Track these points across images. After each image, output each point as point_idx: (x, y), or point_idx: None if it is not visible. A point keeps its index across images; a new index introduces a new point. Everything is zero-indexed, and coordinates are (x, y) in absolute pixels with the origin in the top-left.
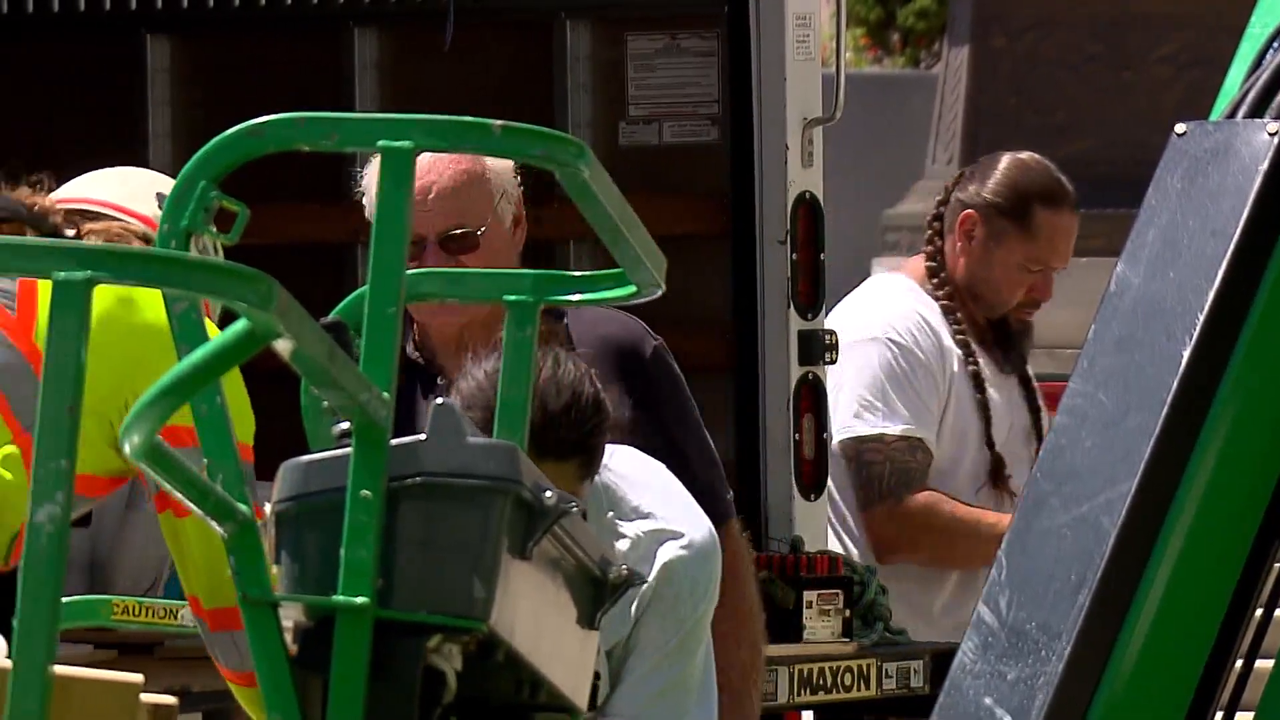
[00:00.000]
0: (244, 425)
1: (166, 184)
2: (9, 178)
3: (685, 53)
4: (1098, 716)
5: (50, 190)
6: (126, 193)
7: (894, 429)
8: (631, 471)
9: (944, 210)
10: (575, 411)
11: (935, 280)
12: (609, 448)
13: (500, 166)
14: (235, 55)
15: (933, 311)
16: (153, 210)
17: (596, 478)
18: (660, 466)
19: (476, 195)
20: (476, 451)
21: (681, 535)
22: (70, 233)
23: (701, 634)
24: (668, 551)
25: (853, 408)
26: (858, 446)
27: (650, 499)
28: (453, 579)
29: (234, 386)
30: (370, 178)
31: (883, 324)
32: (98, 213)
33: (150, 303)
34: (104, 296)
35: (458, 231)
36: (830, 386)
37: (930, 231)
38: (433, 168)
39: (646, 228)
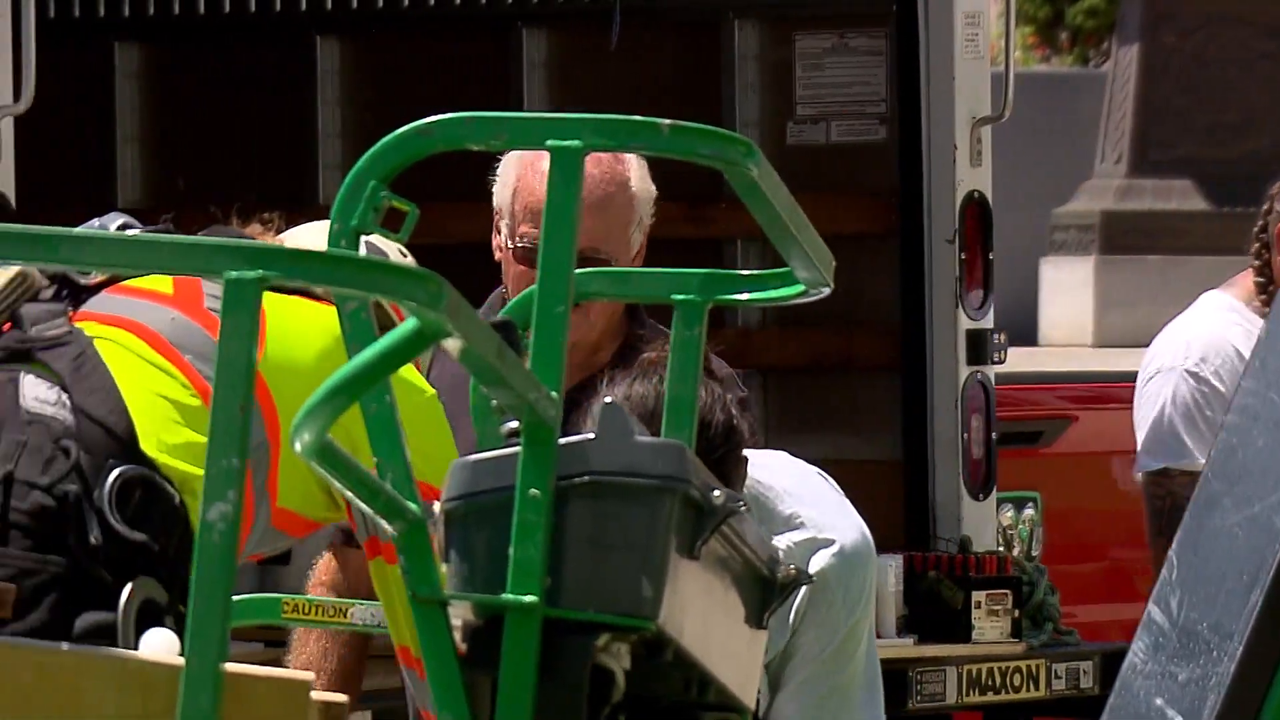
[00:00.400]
0: (438, 470)
1: (376, 239)
2: (241, 214)
3: (854, 52)
4: (1270, 718)
5: (280, 230)
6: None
7: (1181, 465)
8: (780, 481)
9: (1268, 222)
10: (703, 440)
11: (1263, 297)
12: (758, 457)
13: (644, 194)
14: (404, 56)
15: (1250, 336)
16: None
17: (746, 492)
18: (809, 471)
19: (618, 220)
20: (645, 450)
21: (833, 542)
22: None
23: (858, 640)
24: (820, 560)
25: (1144, 441)
26: (1146, 480)
27: (800, 507)
28: (621, 578)
29: (441, 436)
30: (504, 171)
31: (1186, 353)
32: None
33: None
34: (323, 335)
35: (592, 254)
36: (1134, 415)
37: (1257, 245)
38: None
39: (816, 226)
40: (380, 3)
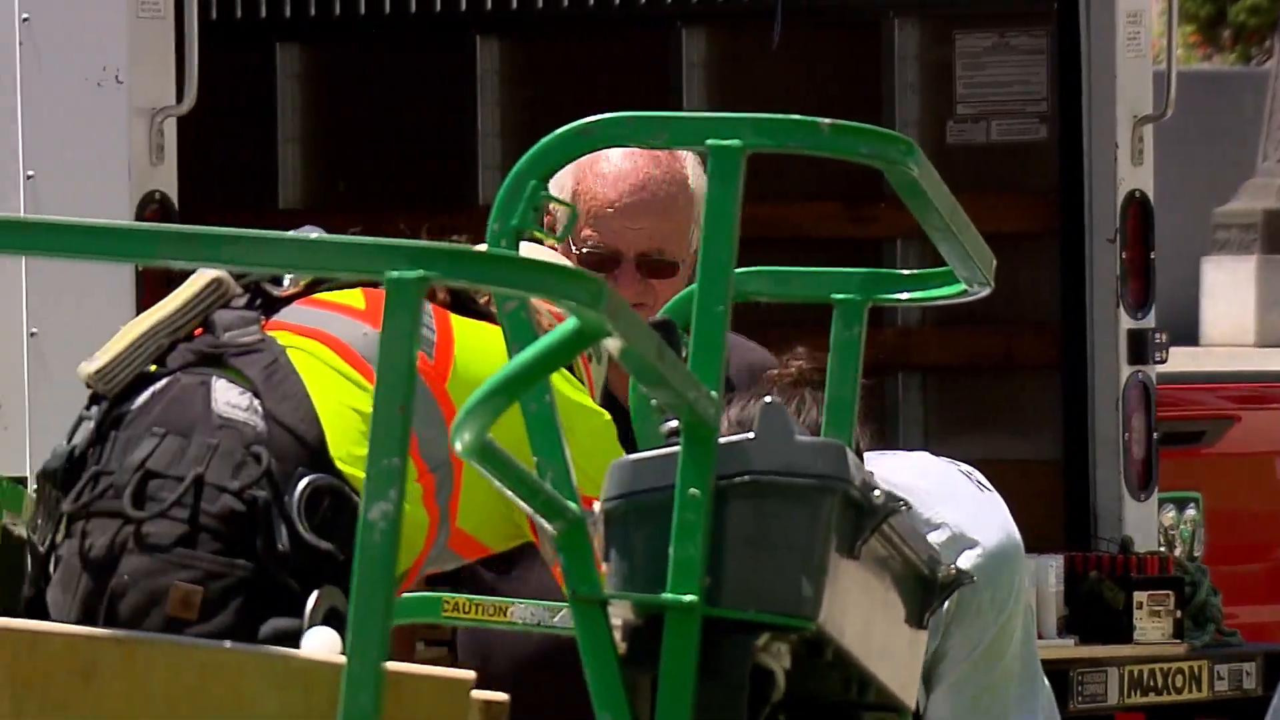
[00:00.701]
0: (596, 482)
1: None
2: (430, 234)
3: (1014, 50)
4: None
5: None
6: None
7: None
8: (920, 483)
9: None
10: None
11: None
12: (889, 461)
13: (700, 192)
14: (564, 55)
15: None
16: None
17: None
18: (950, 470)
19: (681, 221)
20: (805, 450)
21: (976, 543)
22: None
23: (1009, 638)
24: (965, 561)
25: None
26: None
27: (942, 508)
28: (781, 577)
29: (609, 444)
30: (561, 178)
31: None
32: None
33: (558, 377)
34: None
35: (657, 256)
36: None
37: None
38: (646, 185)
39: (975, 226)
40: (540, 3)
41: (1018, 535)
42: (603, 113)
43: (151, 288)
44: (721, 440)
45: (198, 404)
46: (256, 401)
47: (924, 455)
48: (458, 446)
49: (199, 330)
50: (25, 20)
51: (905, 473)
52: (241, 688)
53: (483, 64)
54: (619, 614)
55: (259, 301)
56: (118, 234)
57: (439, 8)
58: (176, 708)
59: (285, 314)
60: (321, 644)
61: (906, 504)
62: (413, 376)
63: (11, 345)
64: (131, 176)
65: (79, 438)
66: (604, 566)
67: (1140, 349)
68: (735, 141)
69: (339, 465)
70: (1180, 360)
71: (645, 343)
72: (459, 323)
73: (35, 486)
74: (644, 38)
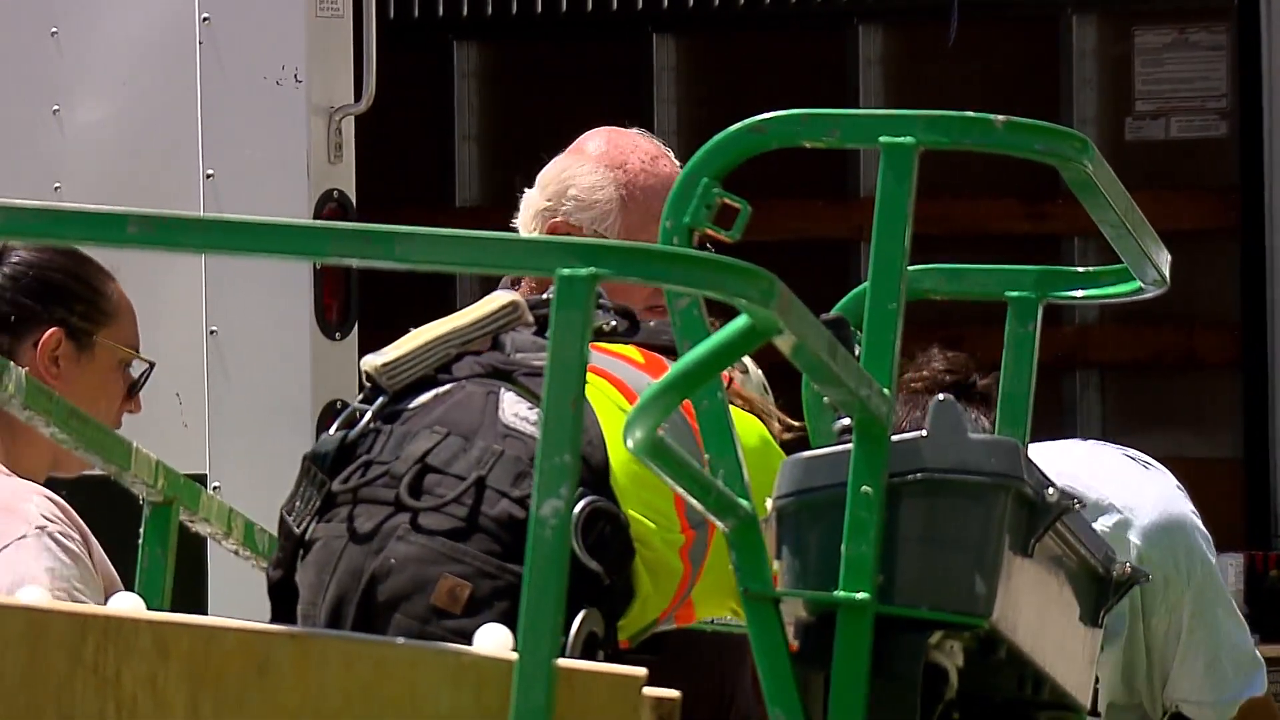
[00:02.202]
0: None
1: None
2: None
3: (1194, 46)
4: None
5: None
6: None
7: None
8: (1075, 468)
9: None
10: None
11: None
12: (1052, 449)
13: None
14: (739, 53)
15: None
16: None
17: None
18: (1101, 450)
19: None
20: (978, 447)
21: (1136, 519)
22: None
23: (1210, 597)
24: (1134, 539)
25: None
26: None
27: (1105, 488)
28: (954, 575)
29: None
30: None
31: None
32: None
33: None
34: (751, 435)
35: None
36: None
37: None
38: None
39: (1153, 223)
40: (715, 1)
41: (1181, 508)
42: (778, 110)
43: (330, 286)
44: (895, 438)
45: (483, 411)
46: None
47: (1073, 442)
48: (629, 443)
49: (488, 347)
50: (205, 20)
51: (1062, 460)
52: (414, 684)
53: (659, 61)
54: (791, 611)
55: (544, 333)
56: (292, 231)
57: (615, 5)
58: (350, 703)
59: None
60: (494, 641)
61: (1081, 502)
62: (583, 372)
63: (192, 343)
64: (310, 175)
65: (351, 427)
66: (776, 564)
67: None
68: (908, 139)
69: (617, 494)
70: None
71: (817, 340)
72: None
73: (299, 469)
74: (820, 35)
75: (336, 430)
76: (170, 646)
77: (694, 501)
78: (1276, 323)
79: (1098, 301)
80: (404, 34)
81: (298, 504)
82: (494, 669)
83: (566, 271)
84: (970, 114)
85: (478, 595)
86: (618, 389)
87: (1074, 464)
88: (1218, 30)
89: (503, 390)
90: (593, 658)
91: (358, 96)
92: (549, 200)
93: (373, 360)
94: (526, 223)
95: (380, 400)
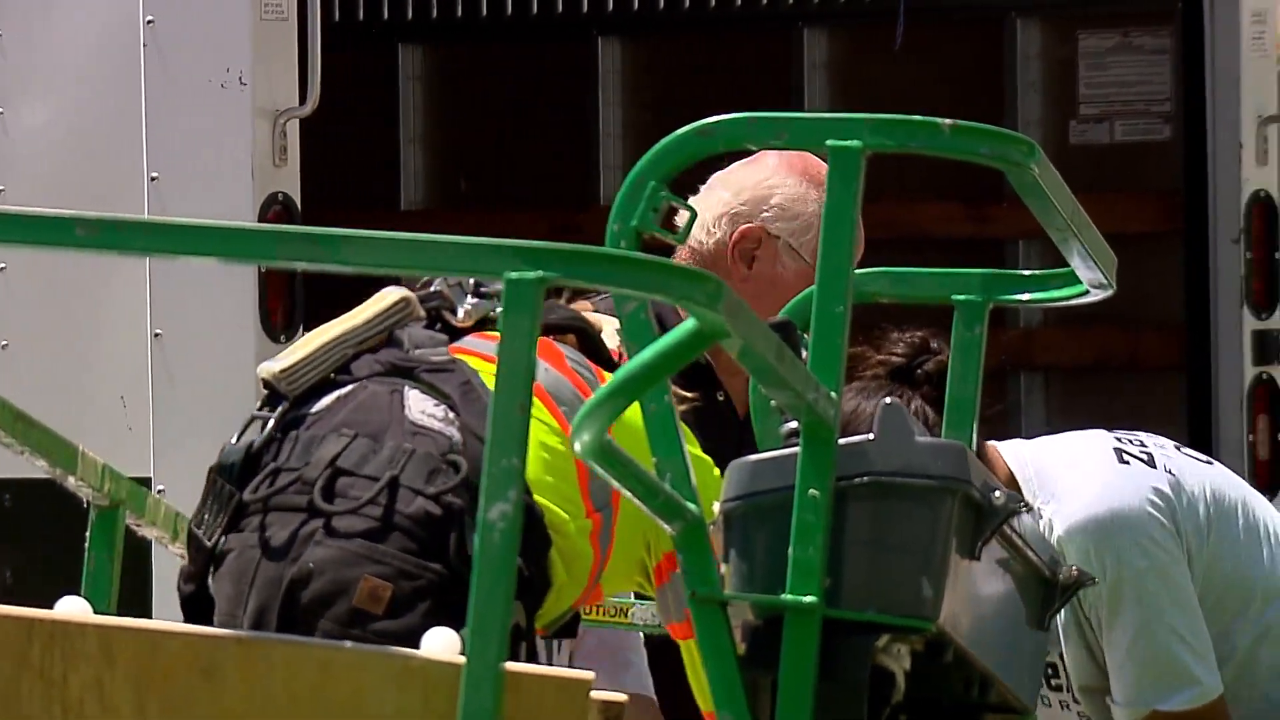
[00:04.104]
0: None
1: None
2: (577, 293)
3: (1137, 50)
4: None
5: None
6: None
7: None
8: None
9: None
10: None
11: None
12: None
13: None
14: (685, 56)
15: None
16: None
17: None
18: (1091, 440)
19: None
20: (925, 451)
21: (1061, 513)
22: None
23: (1130, 600)
24: (1058, 530)
25: None
26: None
27: (1059, 480)
28: (901, 578)
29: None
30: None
31: None
32: None
33: None
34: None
35: None
36: None
37: None
38: None
39: (1097, 226)
40: (661, 4)
41: (1123, 509)
42: (723, 113)
43: (275, 289)
44: (841, 441)
45: (389, 410)
46: (452, 414)
47: (1092, 433)
48: (576, 447)
49: (382, 344)
50: (150, 23)
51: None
52: (361, 687)
53: (604, 64)
54: (738, 614)
55: (439, 326)
56: (240, 235)
57: (561, 8)
58: (296, 707)
59: (467, 342)
60: (441, 644)
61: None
62: (531, 377)
63: (136, 346)
64: (255, 178)
65: (254, 435)
66: (723, 567)
67: (1265, 349)
68: (855, 142)
69: (530, 487)
70: None
71: (764, 343)
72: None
73: (205, 481)
74: (766, 38)
75: (239, 440)
76: (116, 650)
77: (641, 505)
78: (1220, 326)
79: (1044, 305)
80: (349, 36)
81: (206, 517)
82: (441, 672)
83: (514, 275)
84: (917, 117)
85: (399, 595)
86: None
87: (1055, 453)
88: (1161, 34)
89: (406, 388)
90: (516, 650)
91: (302, 99)
92: (744, 204)
93: (270, 367)
94: (707, 223)
95: (281, 407)
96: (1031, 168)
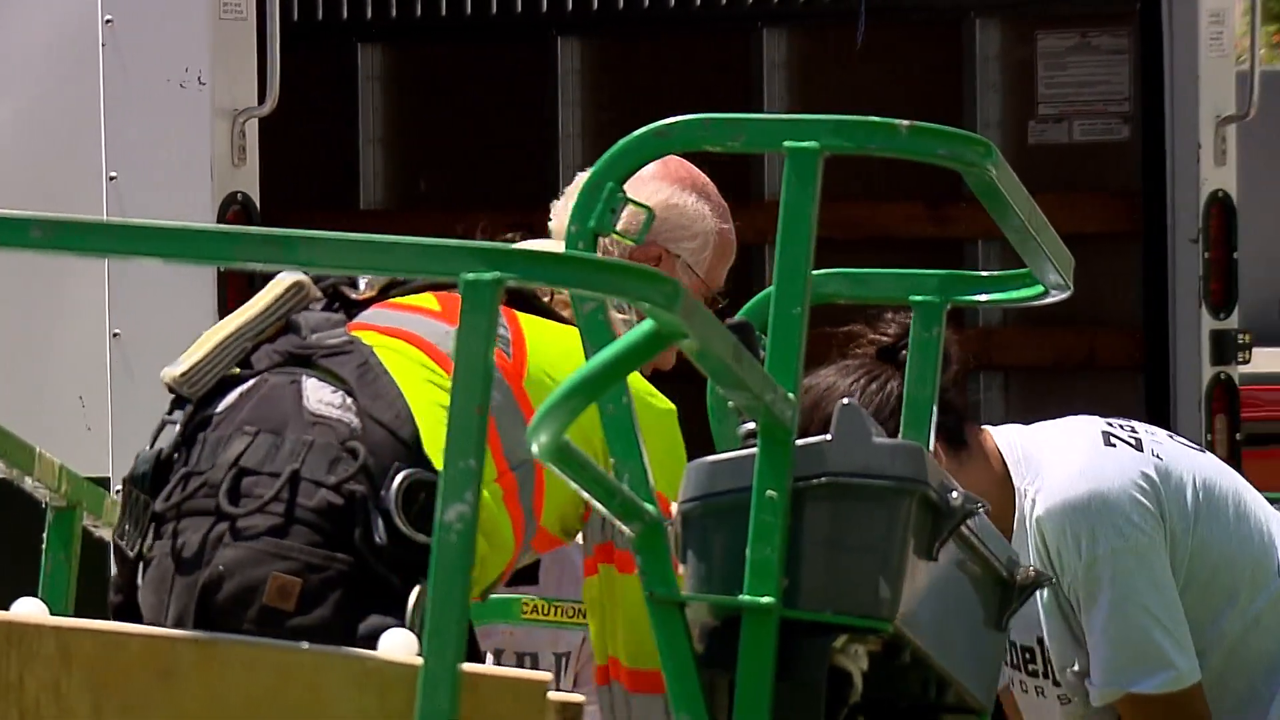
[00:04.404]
0: (671, 480)
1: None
2: (485, 233)
3: (1096, 50)
4: None
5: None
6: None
7: None
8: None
9: None
10: None
11: None
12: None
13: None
14: (644, 56)
15: None
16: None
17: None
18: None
19: None
20: (882, 452)
21: (1043, 495)
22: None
23: (1104, 581)
24: (1038, 512)
25: None
26: None
27: (1046, 463)
28: (858, 579)
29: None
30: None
31: None
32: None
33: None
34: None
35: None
36: None
37: None
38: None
39: (1057, 227)
40: (620, 3)
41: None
42: (682, 114)
43: (234, 289)
44: (799, 442)
45: (289, 402)
46: (350, 400)
47: (1071, 421)
48: (534, 449)
49: (280, 332)
50: (109, 22)
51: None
52: (318, 688)
53: (563, 64)
54: (696, 615)
55: (338, 305)
56: (198, 236)
57: (520, 8)
58: (254, 708)
59: (366, 316)
60: (398, 645)
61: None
62: (489, 377)
63: (95, 347)
64: (214, 178)
65: (164, 441)
66: (681, 568)
67: (1223, 349)
68: (812, 144)
69: (434, 461)
70: (1263, 361)
71: (722, 345)
72: (527, 320)
73: (121, 492)
74: (725, 38)
75: (151, 447)
76: (74, 652)
77: (599, 506)
78: (1178, 326)
79: (1001, 305)
80: (308, 36)
81: (126, 527)
82: (398, 673)
83: (471, 276)
84: (875, 119)
85: (309, 588)
86: (418, 346)
87: (1045, 437)
88: (1120, 34)
89: (304, 377)
90: None
91: (261, 99)
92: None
93: (170, 371)
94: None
95: (187, 410)
96: (988, 168)
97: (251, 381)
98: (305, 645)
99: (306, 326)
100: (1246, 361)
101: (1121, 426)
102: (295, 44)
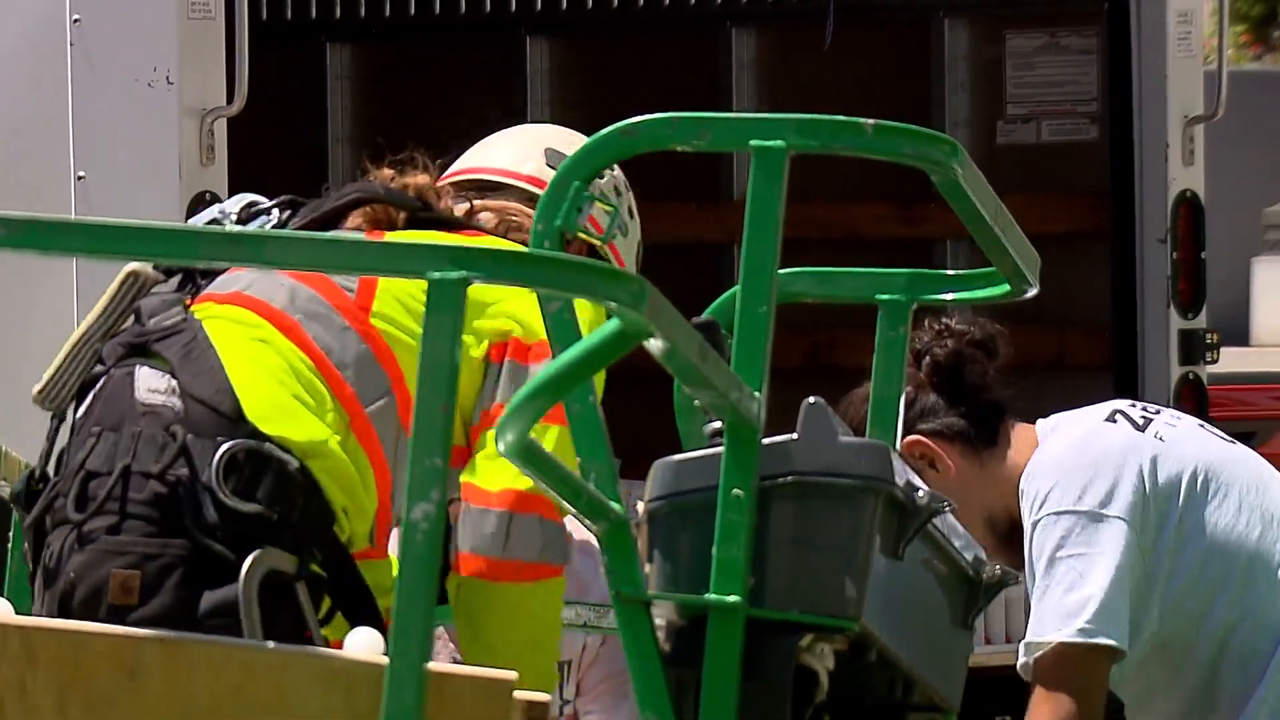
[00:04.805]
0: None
1: (556, 138)
2: (375, 159)
3: (1065, 50)
4: None
5: (422, 168)
6: (515, 156)
7: None
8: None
9: None
10: None
11: None
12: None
13: None
14: (613, 55)
15: None
16: (537, 167)
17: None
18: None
19: None
20: (849, 451)
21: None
22: (462, 208)
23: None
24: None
25: None
26: None
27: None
28: (824, 578)
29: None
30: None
31: None
32: (489, 182)
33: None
34: None
35: None
36: None
37: None
38: None
39: (1025, 227)
40: (589, 3)
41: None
42: (653, 113)
43: None
44: (765, 441)
45: (125, 396)
46: (174, 382)
47: (1101, 405)
48: (500, 448)
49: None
50: (76, 22)
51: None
52: (284, 687)
53: (532, 64)
54: (663, 614)
55: (190, 286)
56: (166, 235)
57: (488, 8)
58: (219, 707)
59: (213, 285)
60: (364, 644)
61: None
62: (455, 376)
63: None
64: (182, 177)
65: (39, 459)
66: (647, 567)
67: (1191, 349)
68: (779, 142)
69: (262, 426)
70: (1231, 361)
71: (688, 343)
72: (394, 239)
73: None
74: (694, 37)
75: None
76: (39, 651)
77: (566, 505)
78: (1146, 325)
79: (968, 304)
80: (276, 36)
81: (26, 545)
82: (364, 672)
83: (437, 275)
84: (841, 118)
85: (148, 580)
86: (248, 308)
87: (1069, 419)
88: (1088, 34)
89: (138, 367)
90: (282, 597)
91: (230, 98)
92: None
93: (34, 389)
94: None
95: (53, 424)
96: (954, 167)
97: (101, 381)
98: (271, 645)
99: (146, 312)
100: (1215, 361)
101: (1142, 408)
102: (264, 43)
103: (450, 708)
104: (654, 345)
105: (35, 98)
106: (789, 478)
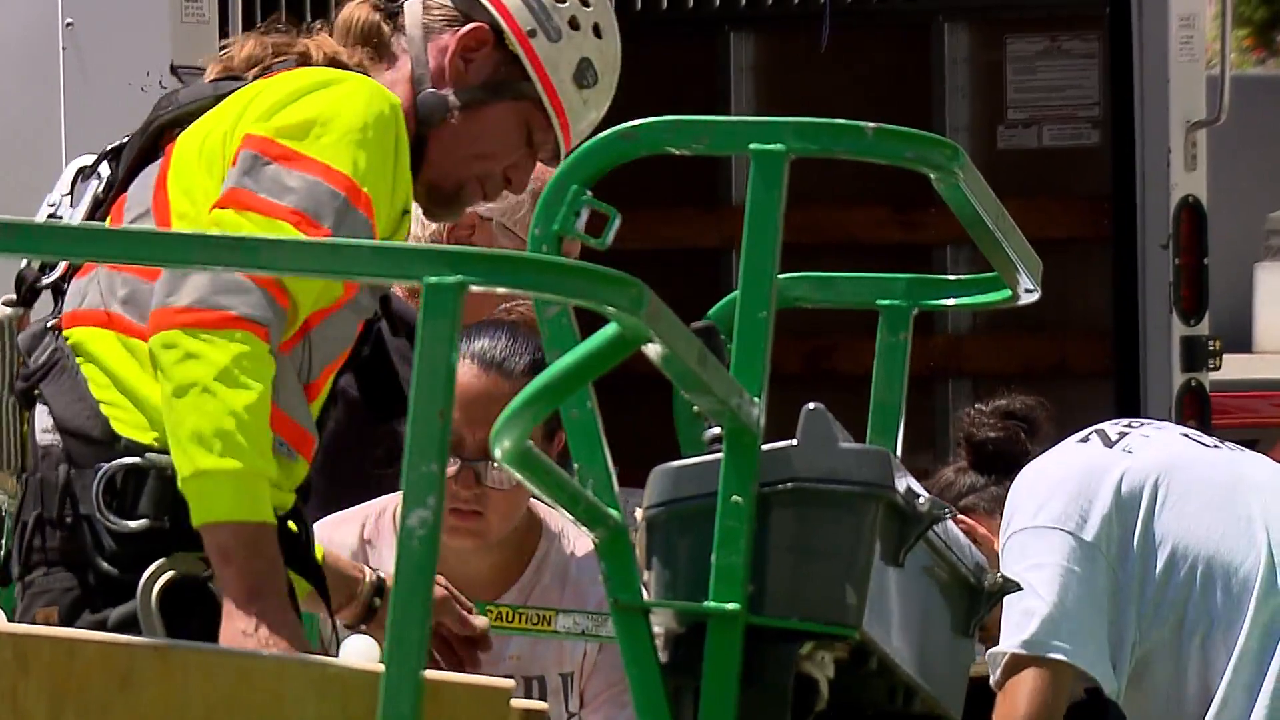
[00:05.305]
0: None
1: None
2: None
3: (1066, 54)
4: None
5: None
6: None
7: None
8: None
9: None
10: None
11: None
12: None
13: None
14: None
15: None
16: None
17: None
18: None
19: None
20: (849, 457)
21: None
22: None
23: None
24: None
25: None
26: None
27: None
28: (824, 585)
29: None
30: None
31: None
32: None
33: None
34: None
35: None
36: None
37: None
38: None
39: (1026, 232)
40: None
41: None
42: (650, 116)
43: None
44: (764, 447)
45: (32, 442)
46: (52, 419)
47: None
48: (497, 453)
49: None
50: (69, 25)
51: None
52: (279, 695)
53: None
54: (661, 622)
55: (54, 307)
56: (158, 239)
57: None
58: (213, 715)
59: (70, 297)
60: (360, 651)
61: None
62: (452, 381)
63: None
64: None
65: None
66: (646, 574)
67: (1194, 355)
68: (778, 146)
69: (136, 437)
70: (1233, 367)
71: (687, 348)
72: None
73: None
74: (692, 41)
75: None
76: (31, 658)
77: (563, 511)
78: (1147, 332)
79: (969, 309)
80: None
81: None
82: (360, 680)
83: (433, 279)
84: (841, 121)
85: (64, 613)
86: (102, 325)
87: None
88: (1089, 38)
89: (35, 411)
90: (201, 595)
91: None
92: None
93: None
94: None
95: (15, 498)
96: (955, 171)
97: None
98: (265, 652)
99: (25, 350)
100: (1217, 368)
101: (1124, 423)
102: None
103: (447, 715)
104: (652, 350)
105: (28, 101)
106: (789, 484)
